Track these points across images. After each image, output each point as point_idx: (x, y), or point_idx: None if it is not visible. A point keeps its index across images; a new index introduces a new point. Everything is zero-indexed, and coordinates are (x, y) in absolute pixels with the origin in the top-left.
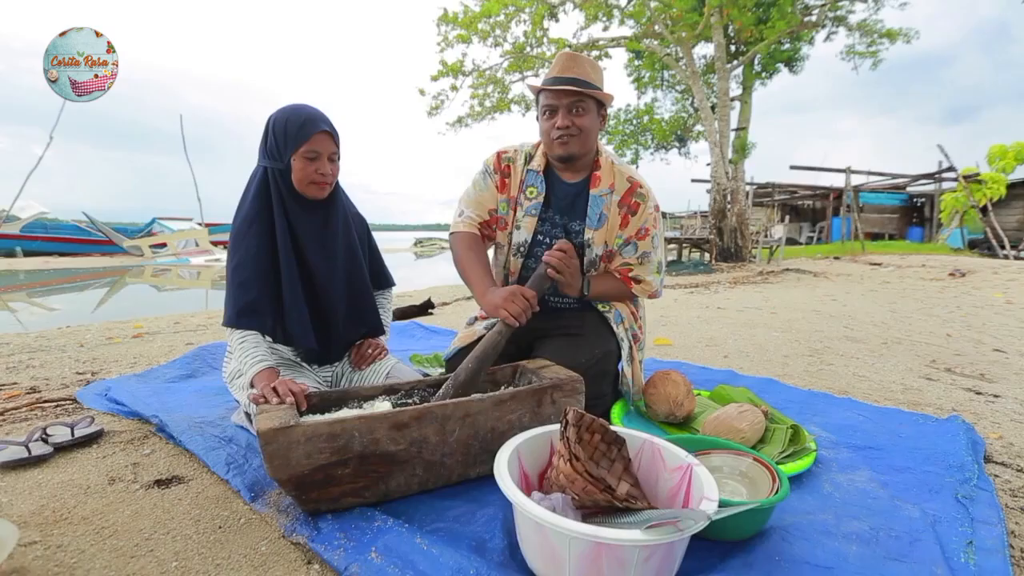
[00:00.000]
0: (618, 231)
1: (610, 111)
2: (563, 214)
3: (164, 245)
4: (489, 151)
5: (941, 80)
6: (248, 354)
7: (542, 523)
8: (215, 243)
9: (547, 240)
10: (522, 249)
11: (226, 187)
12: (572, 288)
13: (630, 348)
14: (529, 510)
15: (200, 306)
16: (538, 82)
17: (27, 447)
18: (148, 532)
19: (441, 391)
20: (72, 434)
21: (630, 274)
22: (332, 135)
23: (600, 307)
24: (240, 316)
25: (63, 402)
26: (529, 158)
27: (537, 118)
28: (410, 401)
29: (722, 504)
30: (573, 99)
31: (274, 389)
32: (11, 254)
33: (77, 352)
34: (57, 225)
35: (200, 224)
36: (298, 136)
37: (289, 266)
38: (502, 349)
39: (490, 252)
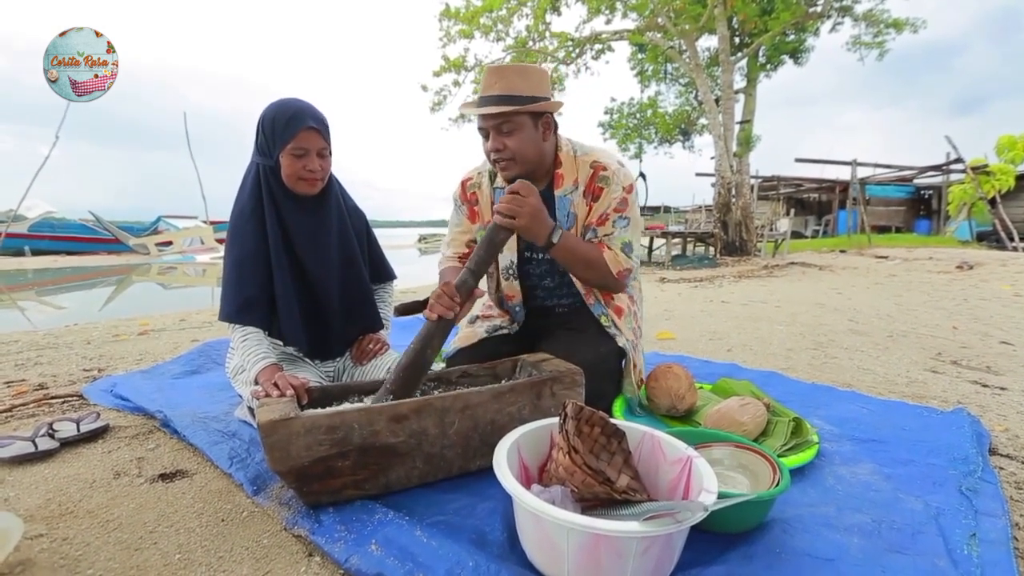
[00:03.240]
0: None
1: (613, 104)
2: None
3: (170, 243)
4: None
5: (949, 71)
6: (250, 351)
7: (540, 515)
8: (220, 240)
9: (536, 255)
10: (511, 271)
11: (230, 184)
12: (537, 235)
13: (630, 358)
14: (527, 502)
15: (205, 303)
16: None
17: (34, 442)
18: (152, 525)
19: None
20: (78, 429)
21: (597, 238)
22: (320, 131)
23: (602, 320)
24: (238, 312)
25: (70, 398)
26: (494, 176)
27: None
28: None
29: (721, 496)
30: (498, 120)
31: (275, 384)
32: (19, 253)
33: (84, 349)
34: (64, 224)
35: (205, 222)
36: (285, 133)
37: (280, 263)
38: (446, 332)
39: (482, 283)
